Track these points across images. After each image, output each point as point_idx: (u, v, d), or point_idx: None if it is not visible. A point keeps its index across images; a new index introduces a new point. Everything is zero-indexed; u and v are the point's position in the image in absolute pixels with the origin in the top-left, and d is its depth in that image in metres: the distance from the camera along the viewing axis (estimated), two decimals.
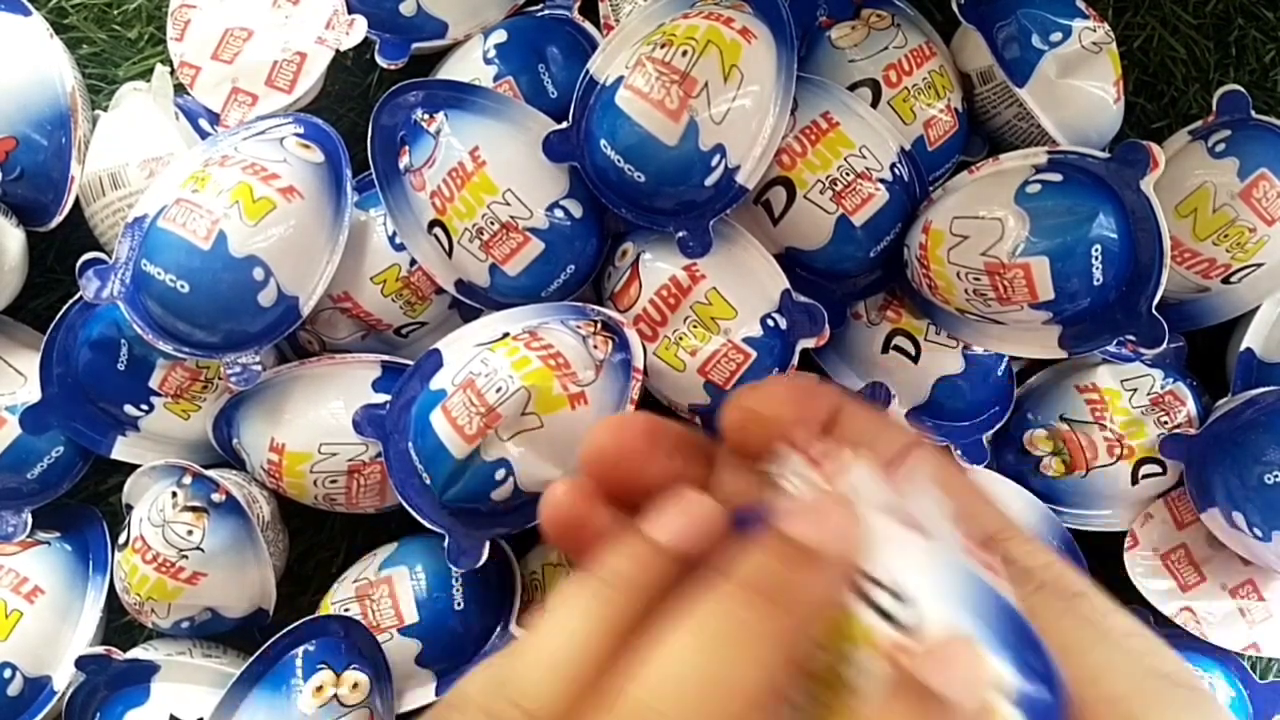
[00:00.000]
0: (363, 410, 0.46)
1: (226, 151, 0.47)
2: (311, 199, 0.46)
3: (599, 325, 0.46)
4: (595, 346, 0.45)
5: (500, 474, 0.43)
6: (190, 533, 0.47)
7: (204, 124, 0.50)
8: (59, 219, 0.50)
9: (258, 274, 0.44)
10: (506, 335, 0.45)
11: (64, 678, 0.48)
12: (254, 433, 0.49)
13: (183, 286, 0.44)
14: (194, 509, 0.47)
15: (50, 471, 0.50)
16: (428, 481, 0.45)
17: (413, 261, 0.49)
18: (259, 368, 0.46)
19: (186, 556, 0.47)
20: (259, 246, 0.44)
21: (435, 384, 0.45)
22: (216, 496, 0.48)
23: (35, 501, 0.51)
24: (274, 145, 0.47)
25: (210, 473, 0.48)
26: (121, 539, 0.49)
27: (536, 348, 0.44)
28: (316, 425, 0.47)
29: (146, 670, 0.47)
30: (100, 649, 0.47)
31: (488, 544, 0.45)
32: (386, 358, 0.49)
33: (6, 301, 0.50)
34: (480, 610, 0.48)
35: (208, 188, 0.45)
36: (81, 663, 0.47)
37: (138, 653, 0.48)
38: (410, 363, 0.49)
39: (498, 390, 0.42)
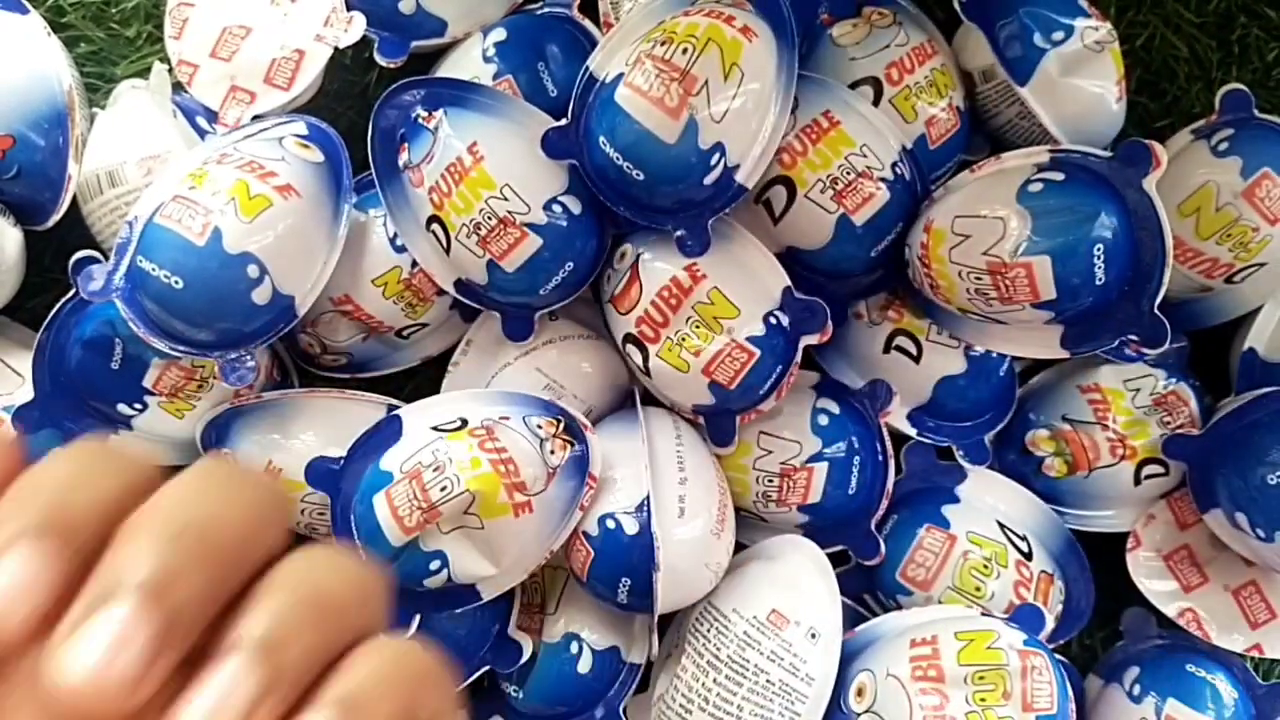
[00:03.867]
0: (317, 461, 0.46)
1: (225, 150, 0.46)
2: (309, 198, 0.46)
3: (561, 426, 0.46)
4: (552, 451, 0.45)
5: (435, 565, 0.44)
6: None
7: (202, 122, 0.50)
8: (56, 218, 0.49)
9: (252, 271, 0.44)
10: (465, 425, 0.45)
11: None
12: (251, 451, 0.48)
13: (177, 283, 0.44)
14: None
15: None
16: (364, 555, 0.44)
17: (414, 263, 0.48)
18: (253, 366, 0.46)
19: None
20: (254, 244, 0.44)
21: (385, 463, 0.44)
22: None
23: None
24: (273, 144, 0.47)
25: None
26: None
27: (490, 449, 0.43)
28: (315, 457, 0.47)
29: None
30: None
31: (418, 617, 0.46)
32: (393, 401, 0.49)
33: (4, 301, 0.50)
34: (476, 613, 0.48)
35: (204, 185, 0.44)
36: None
37: None
38: (410, 363, 0.50)
39: (442, 489, 0.42)
